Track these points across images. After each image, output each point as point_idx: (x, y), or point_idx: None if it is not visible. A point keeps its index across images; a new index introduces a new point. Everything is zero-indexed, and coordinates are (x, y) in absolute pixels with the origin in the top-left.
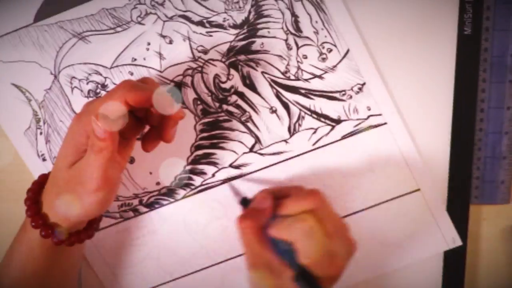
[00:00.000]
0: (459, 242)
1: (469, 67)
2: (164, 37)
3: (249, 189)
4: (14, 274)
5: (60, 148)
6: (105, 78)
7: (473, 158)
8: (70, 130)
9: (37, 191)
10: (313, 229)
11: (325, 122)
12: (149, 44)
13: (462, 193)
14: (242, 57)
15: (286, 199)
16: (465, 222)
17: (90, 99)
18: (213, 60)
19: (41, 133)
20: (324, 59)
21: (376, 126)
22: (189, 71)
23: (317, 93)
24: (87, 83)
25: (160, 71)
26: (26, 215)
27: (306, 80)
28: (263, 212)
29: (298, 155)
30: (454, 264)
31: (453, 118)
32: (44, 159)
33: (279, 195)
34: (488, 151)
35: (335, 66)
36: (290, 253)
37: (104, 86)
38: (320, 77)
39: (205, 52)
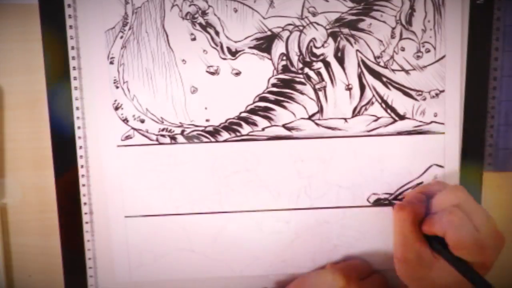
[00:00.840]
0: None
1: (481, 36)
2: None
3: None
4: None
5: None
6: (209, 6)
7: (486, 126)
8: None
9: None
10: (462, 221)
11: (389, 114)
12: None
13: (475, 161)
14: (346, 30)
15: (434, 196)
16: (479, 190)
17: (185, 21)
18: (317, 24)
19: (121, 37)
20: (418, 57)
21: (433, 133)
22: (290, 27)
23: (396, 85)
24: (189, 5)
25: (264, 17)
26: None
27: (393, 70)
28: (418, 206)
29: (349, 136)
30: None
31: (466, 86)
32: (111, 63)
33: (426, 193)
34: (502, 119)
35: (425, 67)
36: (442, 248)
37: (204, 13)
38: (407, 72)
39: (314, 14)
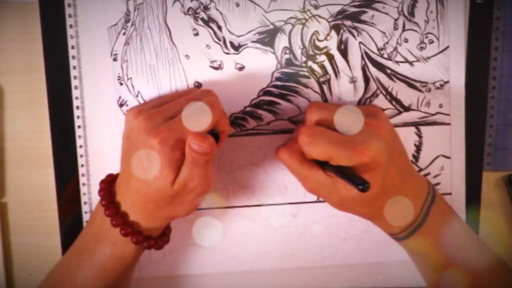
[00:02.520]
0: None
1: (481, 36)
2: None
3: None
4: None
5: (159, 172)
6: (211, 1)
7: (486, 125)
8: (163, 155)
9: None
10: (312, 136)
11: (395, 106)
12: None
13: (475, 160)
14: (348, 22)
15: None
16: (478, 189)
17: (187, 16)
18: (319, 16)
19: (124, 34)
20: (422, 48)
21: (439, 124)
22: (292, 20)
23: (401, 77)
24: (191, 1)
25: (266, 11)
26: (112, 221)
27: (397, 62)
28: (291, 141)
29: None
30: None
31: (465, 85)
32: (115, 59)
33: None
34: (500, 119)
35: (429, 58)
36: (323, 164)
37: (206, 8)
38: (411, 63)
39: (316, 7)
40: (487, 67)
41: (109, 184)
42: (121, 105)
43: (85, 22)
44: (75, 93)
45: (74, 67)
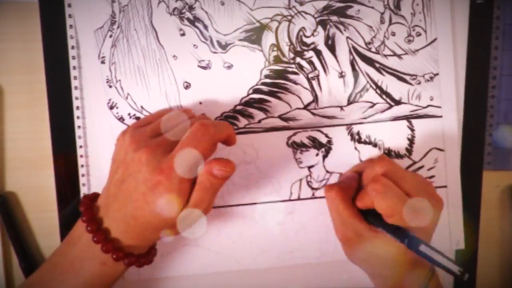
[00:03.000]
0: (462, 246)
1: (481, 35)
2: None
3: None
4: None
5: (167, 203)
6: (196, 0)
7: (486, 124)
8: (170, 183)
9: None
10: (386, 187)
11: (385, 100)
12: None
13: (475, 160)
14: (334, 17)
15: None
16: (479, 189)
17: (173, 16)
18: (305, 13)
19: (110, 36)
20: (410, 41)
21: (431, 116)
22: (278, 17)
23: (390, 70)
24: (176, 1)
25: (251, 9)
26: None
27: (385, 56)
28: (350, 185)
29: (347, 124)
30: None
31: (466, 85)
32: (103, 62)
33: (358, 171)
34: (501, 118)
35: (417, 51)
36: (375, 219)
37: (191, 8)
38: (399, 56)
39: (302, 3)
40: (487, 66)
41: (90, 200)
42: (111, 108)
43: (77, 23)
44: (75, 93)
45: (74, 67)
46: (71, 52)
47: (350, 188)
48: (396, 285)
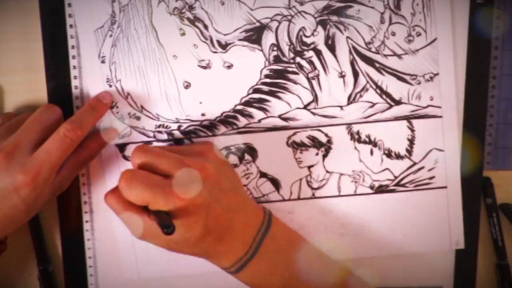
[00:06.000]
0: (461, 246)
1: (481, 34)
2: None
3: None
4: None
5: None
6: (196, 0)
7: (486, 124)
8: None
9: None
10: (130, 180)
11: (385, 100)
12: None
13: (475, 159)
14: (334, 17)
15: None
16: (479, 189)
17: (173, 16)
18: (305, 13)
19: (110, 36)
20: (410, 41)
21: (431, 117)
22: (278, 17)
23: (390, 70)
24: (176, 0)
25: (251, 9)
26: None
27: (385, 55)
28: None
29: (347, 124)
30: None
31: (466, 84)
32: (103, 62)
33: None
34: (501, 118)
35: (417, 50)
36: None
37: (191, 7)
38: (399, 56)
39: (302, 3)
40: (487, 66)
41: None
42: (111, 107)
43: (77, 23)
44: (75, 92)
45: (74, 67)
46: (71, 52)
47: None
48: (214, 257)
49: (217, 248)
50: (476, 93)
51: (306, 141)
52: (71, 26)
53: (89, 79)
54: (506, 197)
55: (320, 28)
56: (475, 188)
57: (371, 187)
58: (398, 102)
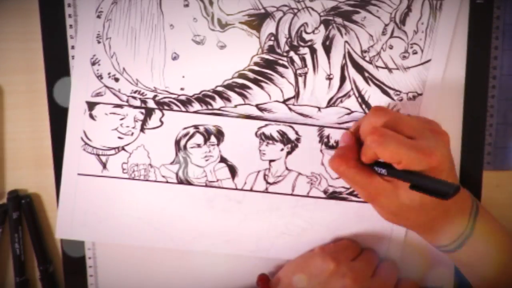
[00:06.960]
0: None
1: (481, 35)
2: None
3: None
4: None
5: None
6: None
7: (486, 124)
8: None
9: None
10: (384, 136)
11: (363, 110)
12: None
13: (475, 160)
14: (339, 19)
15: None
16: (479, 189)
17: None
18: (312, 9)
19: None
20: (404, 57)
21: None
22: (285, 8)
23: (377, 82)
24: None
25: None
26: None
27: (377, 67)
28: (349, 148)
29: (320, 126)
30: None
31: (465, 84)
32: (98, 17)
33: (354, 131)
34: (500, 118)
35: (409, 68)
36: (385, 169)
37: None
38: (390, 70)
39: None
40: (487, 66)
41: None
42: (93, 64)
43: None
44: None
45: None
46: (71, 52)
47: (351, 150)
48: (437, 231)
49: (443, 220)
50: (476, 93)
51: (276, 135)
52: (71, 26)
53: (79, 31)
54: (506, 197)
55: (322, 27)
56: (475, 188)
57: (325, 192)
58: None
